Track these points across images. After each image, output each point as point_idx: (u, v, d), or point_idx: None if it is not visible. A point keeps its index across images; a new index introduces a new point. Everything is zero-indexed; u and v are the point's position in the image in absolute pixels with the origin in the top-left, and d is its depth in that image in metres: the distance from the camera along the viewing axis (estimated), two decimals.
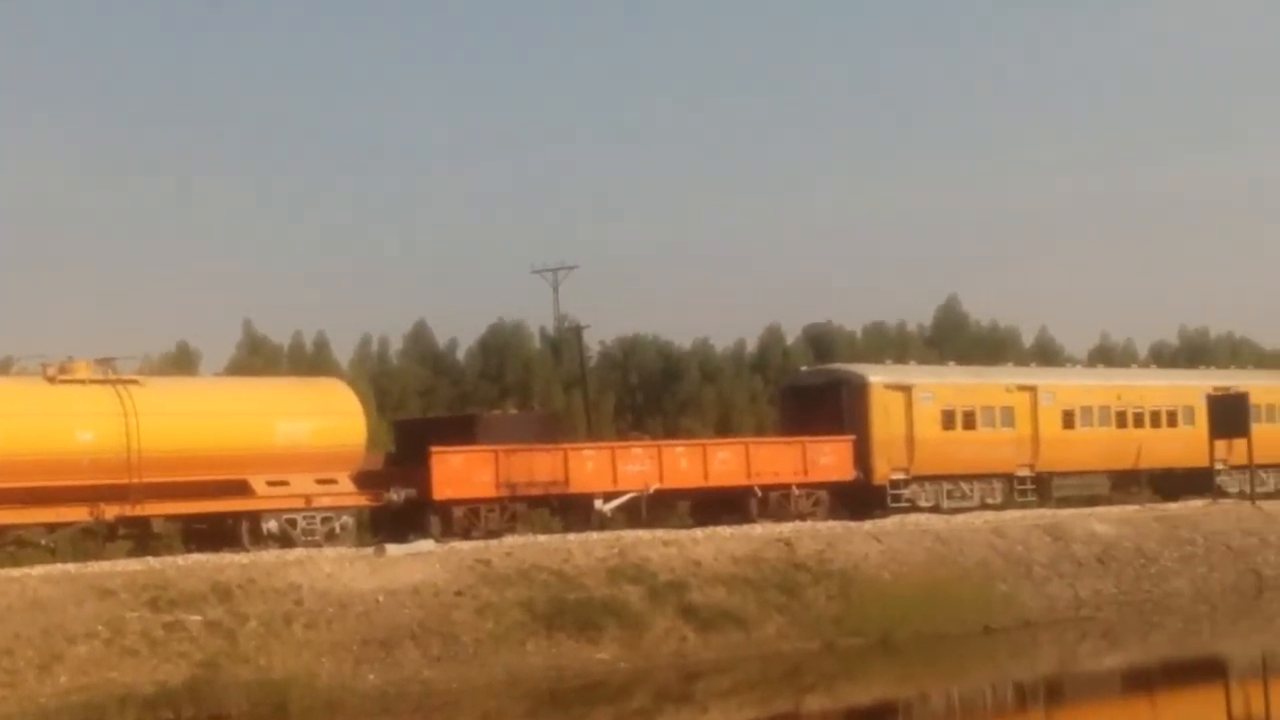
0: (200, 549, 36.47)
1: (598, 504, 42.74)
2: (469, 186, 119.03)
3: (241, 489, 37.20)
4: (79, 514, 35.43)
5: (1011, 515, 48.03)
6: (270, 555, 35.05)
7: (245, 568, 32.88)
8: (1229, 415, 54.19)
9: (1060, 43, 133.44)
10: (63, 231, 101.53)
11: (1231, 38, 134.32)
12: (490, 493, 40.71)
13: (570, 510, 43.34)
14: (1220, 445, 55.10)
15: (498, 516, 40.78)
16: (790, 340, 79.34)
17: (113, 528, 36.50)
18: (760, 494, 45.32)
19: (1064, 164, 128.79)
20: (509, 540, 38.37)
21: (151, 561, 33.91)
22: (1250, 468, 54.55)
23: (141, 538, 37.04)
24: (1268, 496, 55.38)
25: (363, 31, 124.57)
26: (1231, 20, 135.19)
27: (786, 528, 42.43)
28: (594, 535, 39.67)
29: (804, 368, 60.05)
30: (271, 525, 37.24)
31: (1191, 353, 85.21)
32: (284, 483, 37.69)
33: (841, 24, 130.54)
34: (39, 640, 28.65)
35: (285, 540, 37.10)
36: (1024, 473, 52.34)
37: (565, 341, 73.41)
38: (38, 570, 32.35)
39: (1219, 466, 55.74)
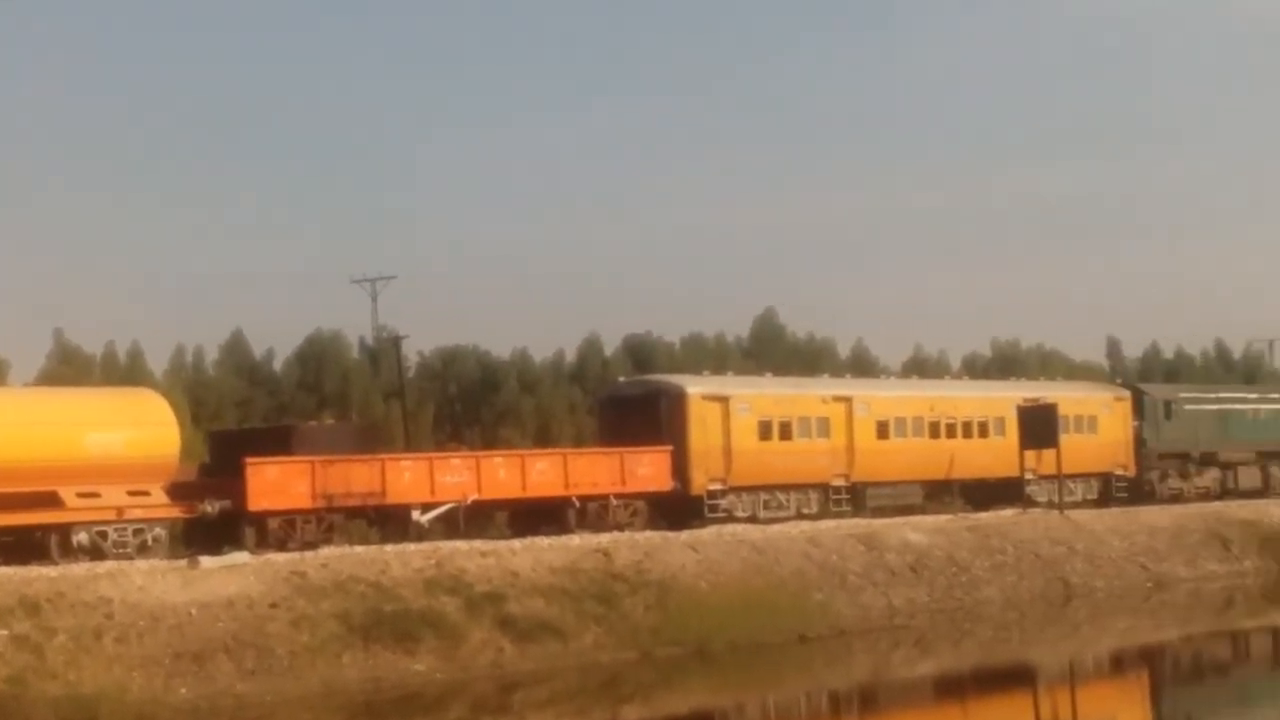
0: (7, 562, 35.70)
1: (415, 515, 42.52)
2: (286, 192, 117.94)
3: (51, 500, 36.53)
4: None
5: (827, 525, 48.50)
6: (80, 568, 34.43)
7: (54, 581, 32.34)
8: (1038, 426, 55.15)
9: (883, 58, 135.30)
10: None
11: (1046, 58, 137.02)
12: (306, 504, 40.34)
13: (388, 521, 43.09)
14: (1030, 455, 56.07)
15: (314, 528, 40.42)
16: (609, 351, 79.51)
17: None
18: (578, 504, 45.37)
19: (883, 179, 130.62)
20: (325, 552, 38.07)
21: None
22: (1059, 478, 55.59)
23: None
24: (1075, 506, 56.49)
25: (180, 32, 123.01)
26: (1048, 41, 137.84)
27: (604, 538, 42.53)
28: (411, 546, 39.50)
29: (622, 378, 60.21)
30: (82, 537, 36.58)
31: (1003, 364, 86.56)
32: (95, 494, 37.07)
33: (673, 30, 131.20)
34: None
35: (96, 553, 36.48)
36: (839, 483, 52.82)
37: (384, 352, 72.99)
38: None
39: (1029, 476, 56.71)
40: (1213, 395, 68.14)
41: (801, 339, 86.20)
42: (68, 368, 60.22)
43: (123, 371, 61.60)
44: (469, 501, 43.43)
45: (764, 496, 50.64)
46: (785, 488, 51.25)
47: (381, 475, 41.97)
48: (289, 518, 39.99)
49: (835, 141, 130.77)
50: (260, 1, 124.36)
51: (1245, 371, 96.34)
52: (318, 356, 73.16)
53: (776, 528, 47.14)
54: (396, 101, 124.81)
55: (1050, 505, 55.40)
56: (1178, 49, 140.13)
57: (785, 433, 51.56)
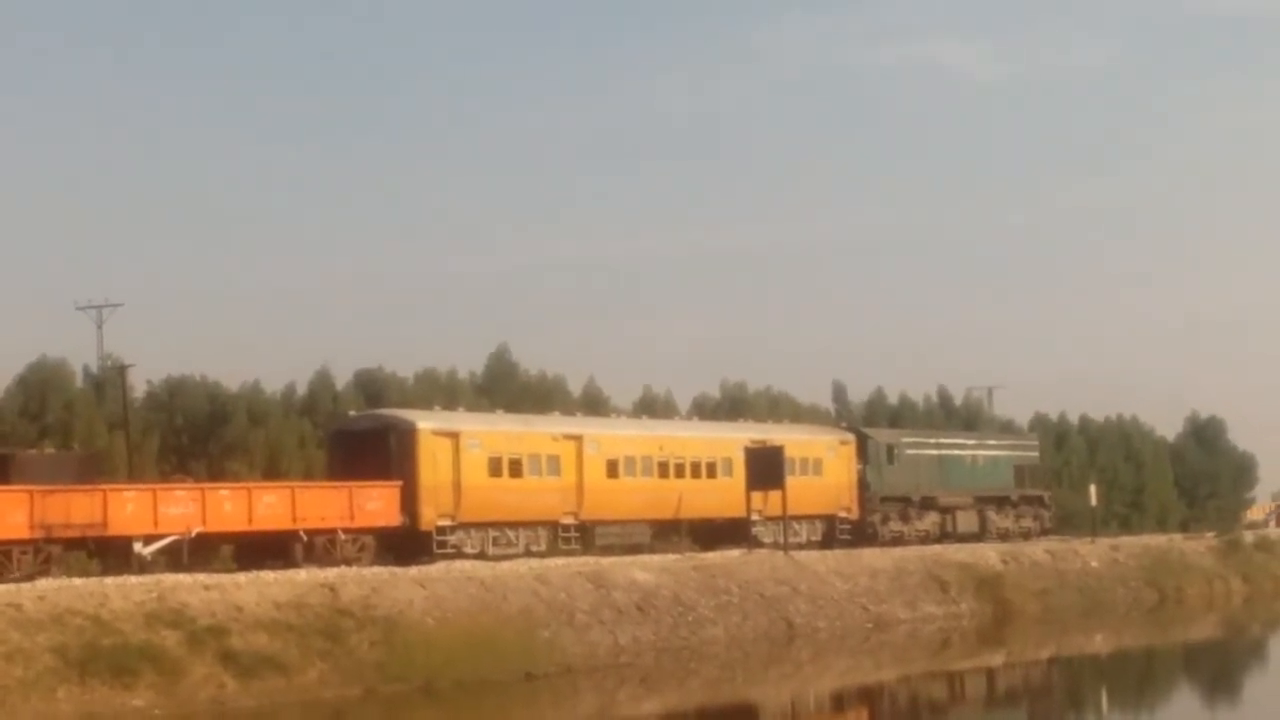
0: None
1: (137, 547, 41.80)
2: (8, 215, 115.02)
3: None
4: None
5: (555, 563, 48.62)
6: None
7: None
8: (765, 467, 55.98)
9: (621, 105, 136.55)
10: None
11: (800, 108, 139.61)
12: (24, 534, 39.46)
13: (109, 553, 42.29)
14: (757, 496, 56.85)
15: (31, 559, 39.51)
16: (341, 384, 78.74)
17: None
18: (306, 538, 44.97)
19: (622, 223, 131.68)
20: (42, 584, 37.18)
21: None
22: (784, 519, 56.42)
23: None
24: (800, 547, 57.39)
25: None
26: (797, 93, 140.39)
27: (331, 573, 42.17)
28: (133, 579, 38.76)
29: (353, 412, 59.83)
30: None
31: (732, 406, 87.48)
32: None
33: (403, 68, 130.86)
34: None
35: None
36: (569, 520, 53.08)
37: (109, 381, 71.46)
38: None
39: (755, 517, 57.47)
40: (933, 441, 69.91)
41: (534, 376, 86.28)
42: None
43: None
44: (193, 534, 42.81)
45: (493, 533, 50.69)
46: (515, 524, 51.39)
47: (103, 506, 41.19)
48: (5, 548, 39.03)
49: (574, 187, 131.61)
50: None
51: (966, 418, 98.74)
52: (40, 384, 71.30)
53: (505, 565, 47.13)
54: (121, 118, 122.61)
55: (775, 546, 56.16)
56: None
57: (515, 469, 51.68)
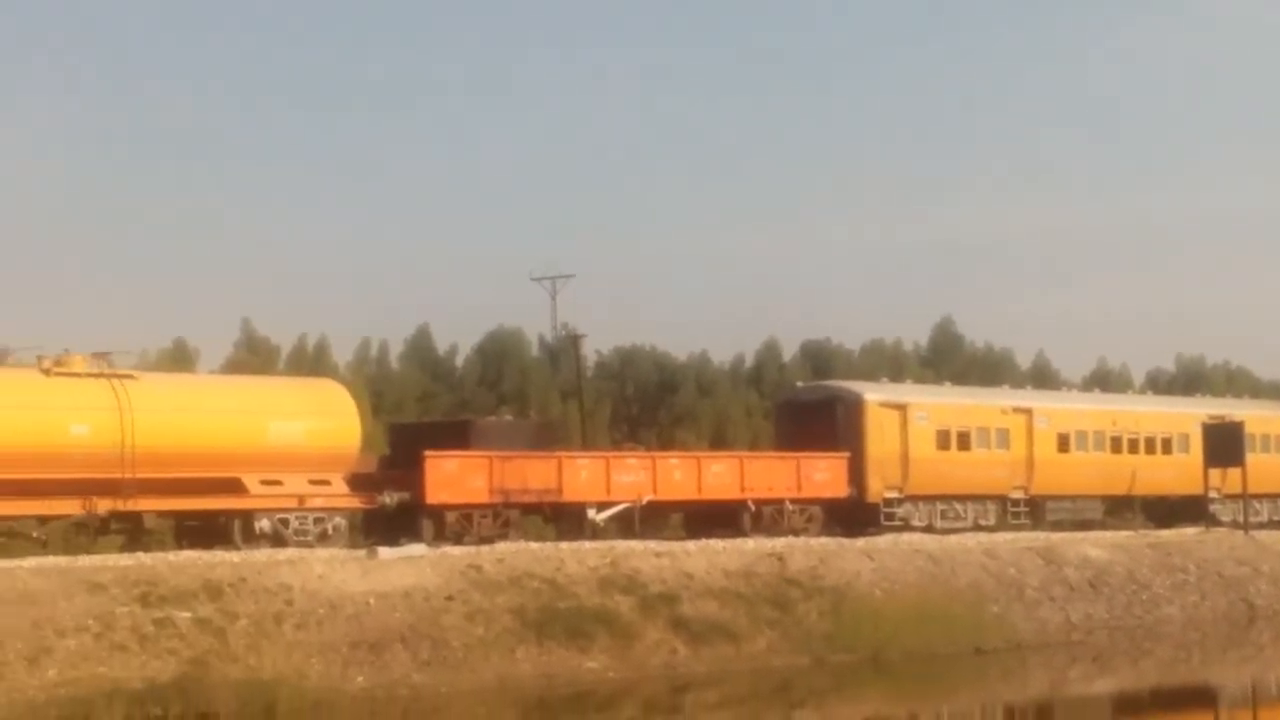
0: (192, 546, 36.38)
1: (591, 513, 42.67)
2: (472, 188, 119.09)
3: (235, 487, 37.09)
4: (71, 507, 35.23)
5: (1004, 537, 47.95)
6: (262, 554, 34.90)
7: (236, 566, 32.78)
8: (1224, 444, 54.15)
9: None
10: (63, 223, 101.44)
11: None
12: (483, 499, 40.61)
13: (563, 519, 43.29)
14: (1215, 474, 55.06)
15: (490, 523, 40.69)
16: (788, 356, 79.35)
17: (105, 522, 36.26)
18: (754, 508, 45.29)
19: (1067, 192, 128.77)
20: (501, 547, 38.23)
21: (143, 557, 33.75)
22: (1244, 497, 54.50)
23: (133, 533, 36.89)
24: (1261, 527, 55.35)
25: (373, 30, 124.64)
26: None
27: (779, 543, 42.35)
28: (586, 544, 39.58)
29: (800, 383, 60.02)
30: (264, 524, 37.08)
31: (1188, 380, 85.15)
32: (277, 482, 37.59)
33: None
34: (28, 633, 28.54)
35: (277, 540, 36.99)
36: (1018, 495, 52.39)
37: (563, 350, 73.34)
38: (29, 562, 32.24)
39: (1213, 495, 55.69)
40: None
41: (980, 349, 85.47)
42: (254, 357, 61.16)
43: (309, 362, 62.44)
44: (644, 502, 43.49)
45: (941, 506, 50.35)
46: (962, 498, 50.92)
47: (558, 473, 42.16)
48: (466, 512, 40.28)
49: (1025, 153, 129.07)
50: None
51: None
52: (498, 353, 73.76)
53: (953, 538, 46.69)
54: (587, 109, 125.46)
55: (1235, 525, 54.31)
56: None
57: (964, 443, 51.26)
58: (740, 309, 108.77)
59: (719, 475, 45.31)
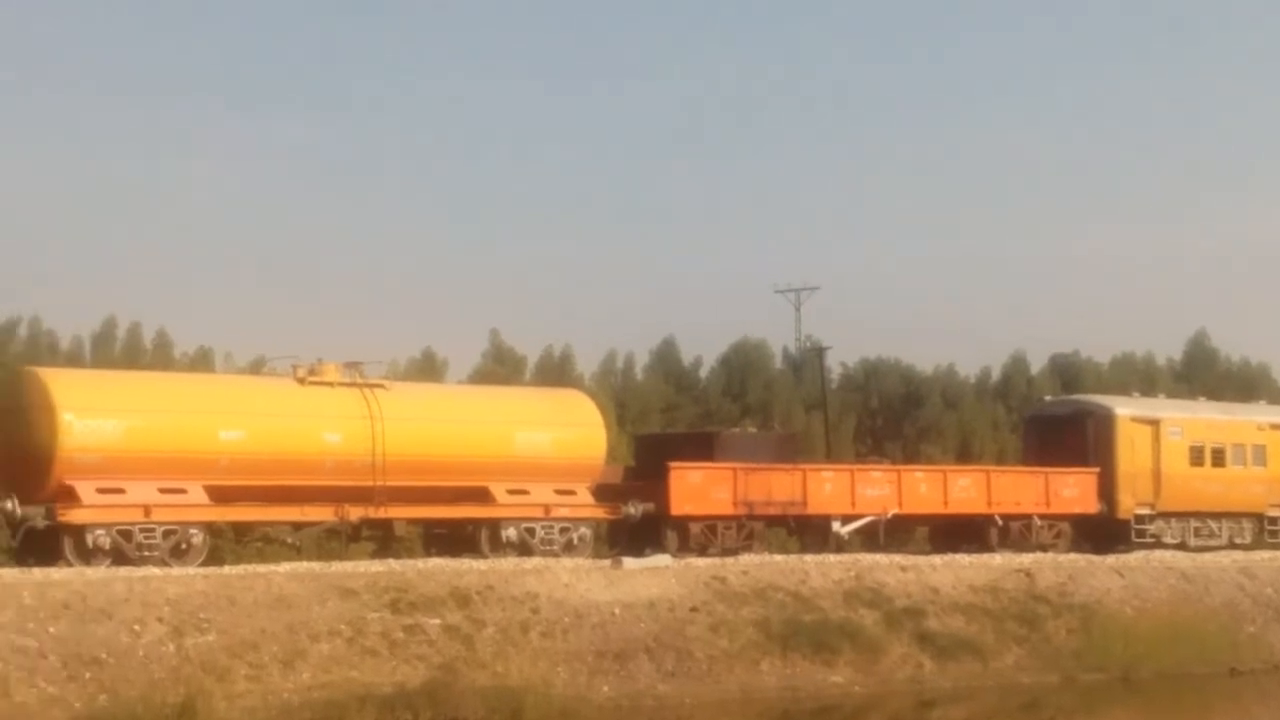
0: (440, 553, 36.89)
1: (835, 526, 42.43)
2: (712, 201, 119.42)
3: (482, 496, 37.51)
4: (324, 514, 35.84)
5: (1261, 556, 46.75)
6: (508, 563, 35.23)
7: (484, 574, 33.12)
8: None
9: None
10: (315, 237, 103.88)
11: None
12: (727, 510, 40.60)
13: (807, 531, 43.12)
14: None
15: (734, 534, 40.66)
16: (1035, 369, 78.38)
17: (356, 529, 36.94)
18: (1001, 523, 44.73)
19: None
20: (745, 559, 38.19)
21: (393, 564, 34.32)
22: None
23: (384, 540, 37.55)
24: None
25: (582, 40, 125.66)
26: None
27: (1027, 558, 41.75)
28: (831, 557, 39.39)
29: (1049, 397, 59.12)
30: (511, 533, 37.43)
31: None
32: (524, 491, 37.92)
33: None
34: (283, 636, 29.11)
35: (524, 549, 37.34)
36: (1275, 513, 51.10)
37: (807, 362, 73.26)
38: (284, 567, 32.92)
39: None
40: None
41: (1235, 363, 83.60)
42: (501, 367, 61.89)
43: (554, 372, 63.02)
44: (889, 515, 43.17)
45: (1194, 524, 49.26)
46: (1216, 515, 49.80)
47: (802, 485, 41.98)
48: (710, 523, 40.30)
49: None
50: None
51: None
52: (742, 365, 73.87)
53: (1207, 556, 45.65)
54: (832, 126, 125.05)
55: None
56: None
57: (1218, 459, 50.13)
58: (987, 321, 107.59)
59: (965, 489, 44.80)
